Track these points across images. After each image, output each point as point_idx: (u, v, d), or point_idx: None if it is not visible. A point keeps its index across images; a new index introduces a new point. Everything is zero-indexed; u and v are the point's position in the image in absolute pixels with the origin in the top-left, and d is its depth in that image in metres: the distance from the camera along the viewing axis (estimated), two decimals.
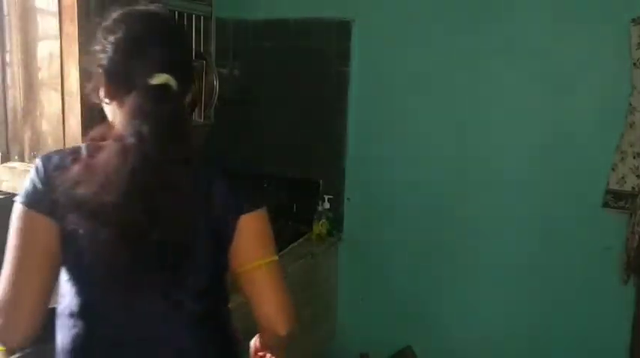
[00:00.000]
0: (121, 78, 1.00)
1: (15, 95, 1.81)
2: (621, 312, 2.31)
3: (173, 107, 0.99)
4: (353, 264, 2.84)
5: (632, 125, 2.22)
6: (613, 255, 2.32)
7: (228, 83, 2.82)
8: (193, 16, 2.21)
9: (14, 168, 1.81)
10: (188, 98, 1.08)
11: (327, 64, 2.75)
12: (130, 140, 0.94)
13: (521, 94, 2.44)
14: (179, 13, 2.14)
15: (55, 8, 1.61)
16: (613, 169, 2.27)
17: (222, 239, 1.08)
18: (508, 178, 2.49)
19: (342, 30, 2.71)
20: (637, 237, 2.19)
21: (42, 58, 1.75)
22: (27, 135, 1.81)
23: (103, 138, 1.00)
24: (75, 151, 1.02)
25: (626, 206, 2.25)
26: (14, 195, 1.78)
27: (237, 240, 1.08)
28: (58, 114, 1.67)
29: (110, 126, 1.04)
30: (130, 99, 0.97)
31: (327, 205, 2.78)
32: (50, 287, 1.02)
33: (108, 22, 1.04)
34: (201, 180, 1.03)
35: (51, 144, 1.74)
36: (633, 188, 2.24)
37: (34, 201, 1.00)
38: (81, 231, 0.95)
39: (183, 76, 1.03)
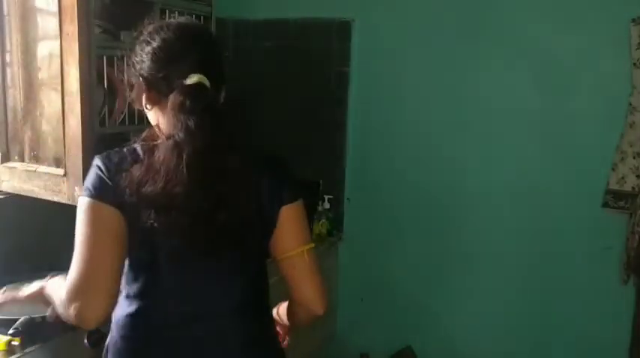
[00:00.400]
0: (159, 84, 1.11)
1: (15, 95, 1.80)
2: (621, 312, 2.31)
3: (210, 102, 1.09)
4: (353, 263, 2.84)
5: (632, 125, 2.22)
6: (613, 255, 2.32)
7: (228, 83, 2.82)
8: (193, 16, 2.20)
9: (14, 168, 1.80)
10: (222, 95, 1.19)
11: (327, 64, 2.75)
12: (180, 136, 1.03)
13: (521, 94, 2.44)
14: (179, 13, 2.13)
15: (55, 8, 1.60)
16: (613, 169, 2.27)
17: (266, 227, 1.19)
18: (508, 178, 2.49)
19: (342, 30, 2.71)
20: (637, 237, 2.19)
21: (42, 58, 1.74)
22: (27, 135, 1.80)
23: (154, 139, 1.12)
24: (132, 152, 1.11)
25: (626, 206, 2.25)
26: (14, 195, 1.80)
27: (279, 228, 1.19)
28: (58, 114, 1.66)
29: (155, 127, 1.15)
30: (171, 99, 1.07)
31: (327, 205, 2.78)
32: (120, 270, 1.10)
33: (143, 36, 1.14)
34: (250, 169, 1.12)
35: (51, 144, 1.74)
36: (633, 188, 2.24)
37: (101, 194, 1.07)
38: (156, 225, 1.04)
39: (216, 74, 1.14)
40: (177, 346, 1.15)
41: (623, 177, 2.25)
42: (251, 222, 1.13)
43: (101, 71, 1.80)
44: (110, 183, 1.07)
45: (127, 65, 1.17)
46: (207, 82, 1.10)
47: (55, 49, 1.64)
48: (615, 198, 2.28)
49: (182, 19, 1.23)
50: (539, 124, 2.42)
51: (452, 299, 2.67)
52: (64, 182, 1.68)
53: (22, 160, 1.82)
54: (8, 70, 1.82)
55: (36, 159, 1.79)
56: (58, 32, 1.61)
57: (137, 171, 1.05)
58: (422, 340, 2.74)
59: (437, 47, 2.56)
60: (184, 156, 1.02)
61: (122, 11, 1.97)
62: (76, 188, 1.65)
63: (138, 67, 1.13)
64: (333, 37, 2.73)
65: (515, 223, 2.50)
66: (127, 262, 1.13)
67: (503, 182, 2.51)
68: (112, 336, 1.18)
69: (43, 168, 1.74)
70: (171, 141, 1.04)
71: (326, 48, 2.74)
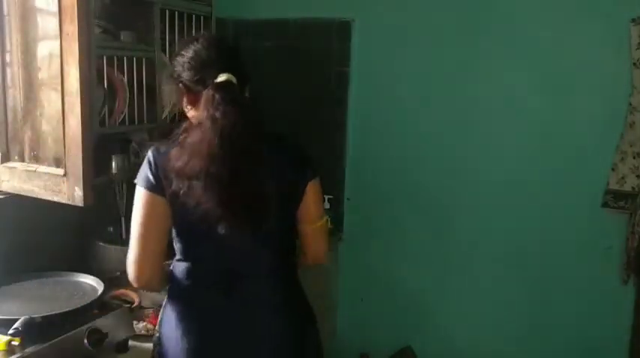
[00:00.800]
0: (196, 86, 1.37)
1: (15, 95, 1.80)
2: (621, 312, 2.32)
3: (236, 96, 1.33)
4: (353, 263, 2.84)
5: (632, 125, 2.22)
6: (613, 255, 2.32)
7: None
8: (193, 16, 2.21)
9: (14, 168, 1.80)
10: (247, 91, 1.44)
11: (327, 64, 2.74)
12: (207, 123, 1.28)
13: (521, 94, 2.44)
14: (179, 13, 2.13)
15: (55, 8, 1.60)
16: (613, 169, 2.27)
17: (291, 200, 1.45)
18: (508, 178, 2.50)
19: (342, 30, 2.71)
20: (637, 237, 2.19)
21: (42, 58, 1.74)
22: (27, 135, 1.80)
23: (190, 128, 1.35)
24: (174, 141, 1.35)
25: (626, 206, 2.26)
26: (14, 195, 1.80)
27: (305, 201, 1.47)
28: (58, 114, 1.66)
29: (193, 120, 1.39)
30: (204, 94, 1.32)
31: (327, 205, 2.78)
32: (164, 243, 1.40)
33: (177, 50, 1.45)
34: (273, 150, 1.38)
35: (51, 144, 1.74)
36: (633, 188, 2.24)
37: (150, 186, 1.36)
38: (181, 192, 1.29)
39: (240, 74, 1.38)
40: (214, 305, 1.41)
41: (623, 177, 2.26)
42: (265, 196, 1.32)
43: (101, 71, 1.80)
44: (154, 177, 1.35)
45: (169, 76, 1.49)
46: (234, 80, 1.34)
47: (55, 49, 1.64)
48: (615, 198, 2.29)
49: (205, 32, 1.60)
50: (539, 124, 2.42)
51: (452, 299, 2.67)
52: (64, 182, 1.68)
53: (22, 160, 1.82)
54: (8, 70, 1.82)
55: (36, 159, 1.79)
56: (58, 32, 1.61)
57: (174, 153, 1.30)
58: (422, 340, 2.74)
59: (437, 47, 2.56)
60: (206, 139, 1.26)
61: (122, 11, 1.97)
62: (76, 188, 1.65)
63: (177, 75, 1.41)
64: (333, 37, 2.73)
65: (515, 223, 2.50)
66: (175, 233, 1.41)
67: (504, 182, 2.51)
68: (168, 295, 1.46)
69: (43, 168, 1.74)
70: (199, 128, 1.29)
71: (326, 48, 2.74)
